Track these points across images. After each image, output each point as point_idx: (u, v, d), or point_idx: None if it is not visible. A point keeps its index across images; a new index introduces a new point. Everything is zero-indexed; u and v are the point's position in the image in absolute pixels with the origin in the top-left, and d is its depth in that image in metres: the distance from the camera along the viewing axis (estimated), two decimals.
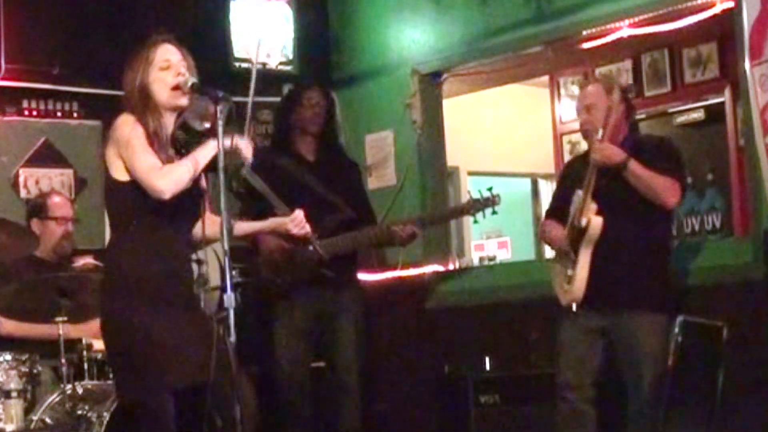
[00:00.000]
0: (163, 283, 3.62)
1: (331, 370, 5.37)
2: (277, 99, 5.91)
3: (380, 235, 5.31)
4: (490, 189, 5.20)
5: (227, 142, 3.51)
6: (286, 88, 5.97)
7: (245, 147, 3.65)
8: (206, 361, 3.51)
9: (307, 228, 4.00)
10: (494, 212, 5.19)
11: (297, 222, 3.96)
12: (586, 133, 4.66)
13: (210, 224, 3.70)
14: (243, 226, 3.97)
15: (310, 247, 4.79)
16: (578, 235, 4.54)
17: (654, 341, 4.45)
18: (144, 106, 3.63)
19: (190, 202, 3.67)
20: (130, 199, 3.61)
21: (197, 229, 3.74)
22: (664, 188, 4.49)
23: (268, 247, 5.17)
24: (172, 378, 3.57)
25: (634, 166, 4.47)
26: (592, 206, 4.50)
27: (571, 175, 4.82)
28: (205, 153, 3.58)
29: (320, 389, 5.42)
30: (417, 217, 5.71)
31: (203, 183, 3.76)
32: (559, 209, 4.79)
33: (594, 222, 4.48)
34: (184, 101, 3.65)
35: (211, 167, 3.60)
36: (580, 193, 4.57)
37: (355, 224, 5.26)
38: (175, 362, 3.56)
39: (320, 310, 5.24)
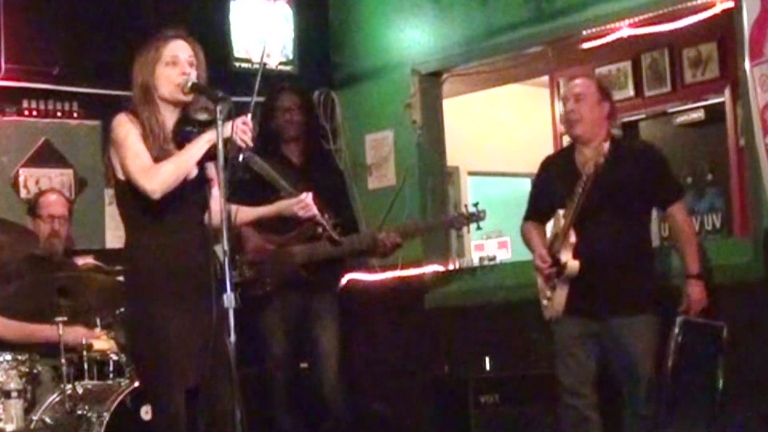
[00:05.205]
0: (178, 278, 3.61)
1: (311, 371, 5.31)
2: None
3: (363, 243, 5.22)
4: (476, 204, 5.21)
5: (224, 132, 3.44)
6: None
7: (240, 132, 3.53)
8: (203, 362, 3.51)
9: (314, 210, 3.94)
10: (479, 227, 5.23)
11: (303, 204, 3.91)
12: (570, 123, 4.64)
13: (217, 213, 3.62)
14: (248, 213, 3.93)
15: (320, 229, 4.69)
16: (557, 263, 4.56)
17: (645, 342, 4.45)
18: (144, 100, 3.64)
19: (196, 192, 3.66)
20: (135, 197, 3.61)
21: (206, 219, 3.72)
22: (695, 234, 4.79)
23: (251, 246, 5.09)
24: (186, 379, 3.58)
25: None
26: (572, 240, 4.49)
27: (551, 173, 4.78)
28: (197, 147, 3.56)
29: (305, 389, 5.39)
30: (401, 226, 5.57)
31: (210, 171, 3.71)
32: (538, 211, 4.80)
33: (570, 265, 4.49)
34: (186, 98, 3.65)
35: (210, 156, 3.57)
36: (561, 214, 4.56)
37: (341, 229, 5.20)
38: (186, 364, 3.57)
39: (298, 312, 5.18)
